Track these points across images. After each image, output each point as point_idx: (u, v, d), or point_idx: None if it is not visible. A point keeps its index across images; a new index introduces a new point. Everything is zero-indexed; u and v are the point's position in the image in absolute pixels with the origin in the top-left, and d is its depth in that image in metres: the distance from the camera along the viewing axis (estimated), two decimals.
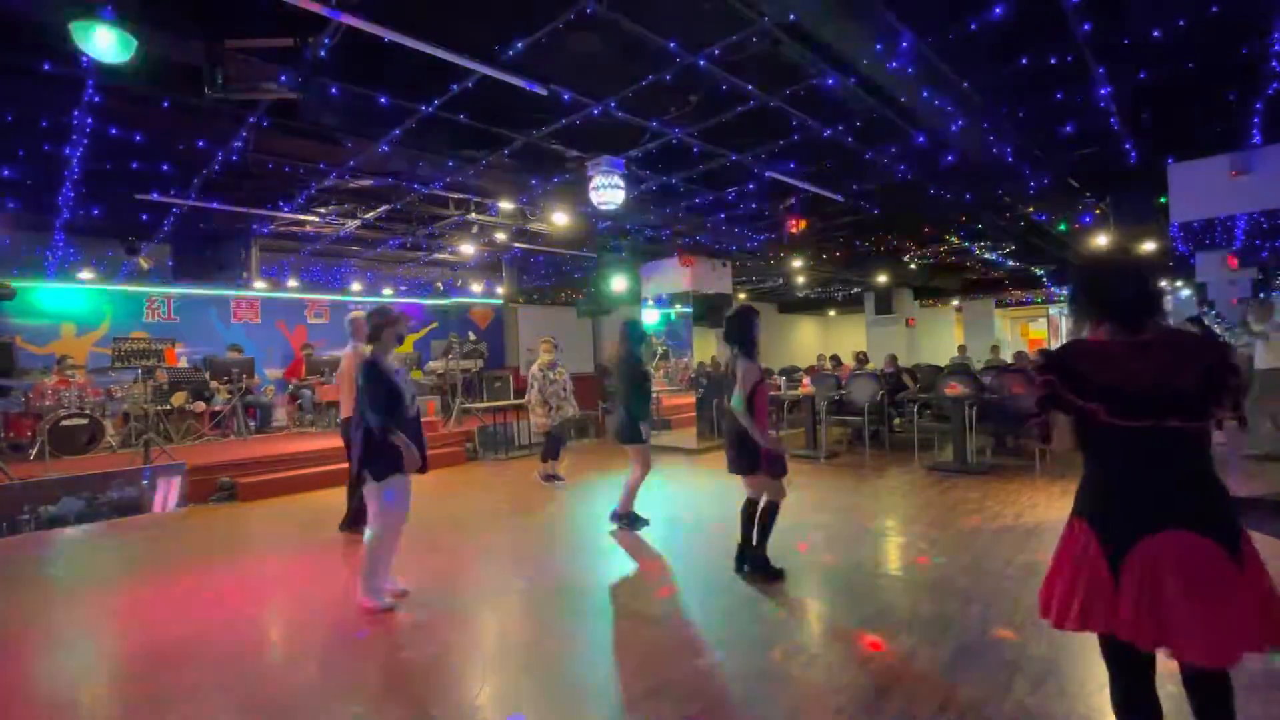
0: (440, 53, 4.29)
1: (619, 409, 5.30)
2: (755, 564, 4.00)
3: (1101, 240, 8.70)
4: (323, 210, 8.24)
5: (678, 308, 11.56)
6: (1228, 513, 1.60)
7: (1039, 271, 15.15)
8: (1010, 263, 13.87)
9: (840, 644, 3.12)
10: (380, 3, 3.89)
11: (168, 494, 6.64)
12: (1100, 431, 1.67)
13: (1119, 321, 1.70)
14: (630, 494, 5.25)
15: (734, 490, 4.25)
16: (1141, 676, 1.70)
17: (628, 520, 5.23)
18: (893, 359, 10.11)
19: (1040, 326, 22.12)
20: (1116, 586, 1.60)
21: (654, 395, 11.04)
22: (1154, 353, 1.63)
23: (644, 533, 5.11)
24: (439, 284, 14.04)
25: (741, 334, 3.94)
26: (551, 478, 7.10)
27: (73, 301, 10.32)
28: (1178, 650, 1.57)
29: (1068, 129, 6.12)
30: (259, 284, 11.04)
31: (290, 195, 7.59)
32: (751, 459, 3.86)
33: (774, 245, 11.08)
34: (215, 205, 7.51)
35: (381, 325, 3.66)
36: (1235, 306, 10.97)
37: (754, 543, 3.99)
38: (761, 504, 3.98)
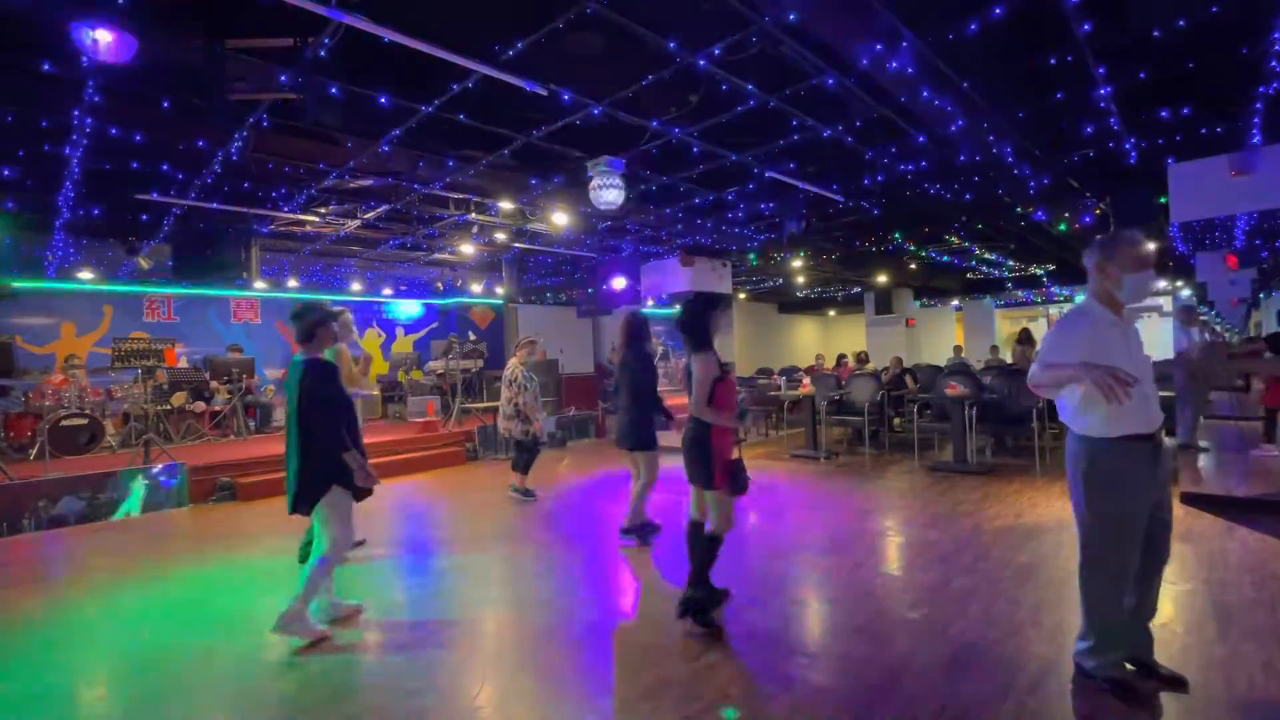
0: (440, 53, 4.29)
1: (625, 410, 4.91)
2: (689, 605, 3.31)
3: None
4: (323, 210, 8.25)
5: (678, 307, 11.55)
6: None
7: (1039, 271, 15.15)
8: (1010, 262, 13.88)
9: (840, 644, 3.12)
10: (380, 3, 3.89)
11: (168, 494, 6.64)
12: None
13: None
14: (639, 504, 4.87)
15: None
16: None
17: (638, 532, 4.87)
18: (899, 361, 10.19)
19: (1040, 326, 22.13)
20: None
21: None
22: None
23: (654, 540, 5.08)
24: (439, 284, 14.04)
25: (694, 325, 3.44)
26: (529, 492, 6.41)
27: (73, 301, 10.33)
28: None
29: (1067, 129, 6.13)
30: (259, 284, 11.04)
31: (290, 195, 7.59)
32: (707, 470, 3.28)
33: (774, 245, 11.09)
34: (215, 205, 7.52)
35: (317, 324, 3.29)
36: (1235, 307, 10.96)
37: (690, 579, 3.35)
38: (707, 531, 3.39)
